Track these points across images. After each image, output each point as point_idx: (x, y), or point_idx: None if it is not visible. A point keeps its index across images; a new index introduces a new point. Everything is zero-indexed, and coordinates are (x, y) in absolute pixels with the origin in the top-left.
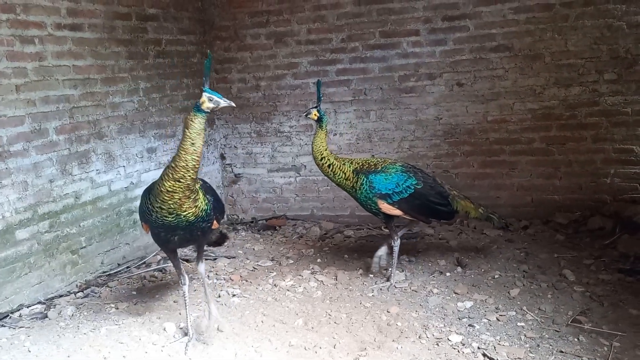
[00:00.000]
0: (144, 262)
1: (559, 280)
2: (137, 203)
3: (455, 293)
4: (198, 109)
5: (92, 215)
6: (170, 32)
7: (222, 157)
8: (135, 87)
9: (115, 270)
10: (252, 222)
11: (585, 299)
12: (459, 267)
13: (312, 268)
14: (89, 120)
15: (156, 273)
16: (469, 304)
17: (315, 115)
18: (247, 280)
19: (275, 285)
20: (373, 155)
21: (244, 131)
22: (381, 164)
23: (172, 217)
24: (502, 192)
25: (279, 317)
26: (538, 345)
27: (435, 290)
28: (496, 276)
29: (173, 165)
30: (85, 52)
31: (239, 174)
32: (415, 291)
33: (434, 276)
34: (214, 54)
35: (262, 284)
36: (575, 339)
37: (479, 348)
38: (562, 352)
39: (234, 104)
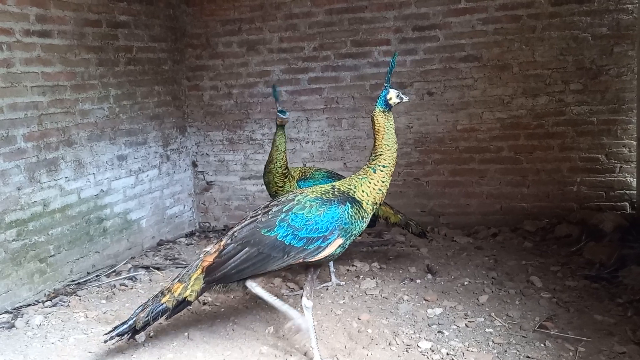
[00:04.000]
0: (114, 271)
1: (527, 287)
2: (107, 211)
3: (425, 300)
4: (387, 105)
5: (61, 223)
6: (141, 40)
7: (194, 164)
8: (106, 94)
9: (84, 279)
10: (224, 229)
11: (552, 305)
12: (429, 274)
13: (284, 275)
14: (58, 127)
15: (126, 281)
16: (438, 310)
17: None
18: None
19: (246, 293)
20: (345, 164)
21: (216, 139)
22: (308, 172)
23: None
24: (472, 200)
25: (250, 325)
26: (505, 351)
27: (405, 297)
28: (465, 283)
29: (385, 164)
30: (55, 58)
31: (211, 181)
32: (386, 298)
33: (404, 283)
34: (185, 62)
35: None
36: (542, 345)
37: (447, 354)
38: (528, 357)
39: (408, 98)
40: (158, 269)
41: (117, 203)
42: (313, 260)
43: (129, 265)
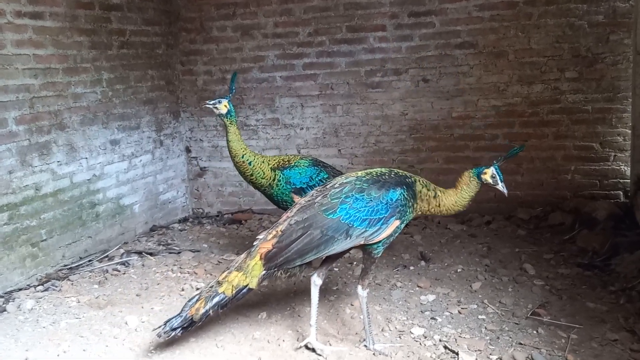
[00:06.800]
0: (107, 256)
1: (520, 274)
2: (100, 196)
3: (418, 287)
4: (478, 175)
5: (53, 207)
6: (134, 23)
7: (188, 150)
8: (98, 78)
9: (76, 264)
10: (217, 216)
11: (545, 293)
12: (422, 261)
13: None
14: (49, 110)
15: (119, 267)
16: (431, 297)
17: (225, 106)
18: (211, 274)
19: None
20: (339, 150)
21: (210, 124)
22: (293, 160)
23: None
24: None
25: (243, 310)
26: (498, 338)
27: (398, 284)
28: (459, 270)
29: (441, 204)
30: (47, 41)
31: (204, 167)
32: (379, 285)
33: (397, 270)
34: (179, 46)
35: None
36: (534, 331)
37: (440, 340)
38: (521, 344)
39: (506, 193)
40: (151, 254)
41: (109, 188)
42: (373, 242)
43: (122, 251)
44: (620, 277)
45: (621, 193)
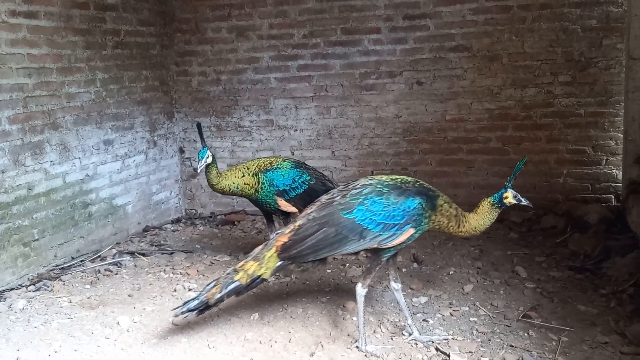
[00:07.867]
0: (99, 256)
1: (512, 277)
2: (93, 196)
3: (410, 289)
4: (500, 201)
5: (45, 207)
6: (129, 23)
7: (181, 150)
8: (93, 78)
9: (68, 264)
10: (210, 216)
11: (536, 295)
12: (415, 263)
13: None
14: (43, 110)
15: (111, 267)
16: (423, 299)
17: (211, 155)
18: (204, 275)
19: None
20: (333, 152)
21: (204, 125)
22: (275, 162)
23: None
24: (459, 190)
25: (235, 311)
26: (489, 340)
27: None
28: (451, 272)
29: (462, 229)
30: (41, 40)
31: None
32: (372, 286)
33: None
34: (174, 47)
35: None
36: (526, 334)
37: (432, 342)
38: (512, 346)
39: (531, 205)
40: (143, 254)
41: (102, 188)
42: (386, 247)
43: (114, 251)
44: (612, 280)
45: (613, 197)
